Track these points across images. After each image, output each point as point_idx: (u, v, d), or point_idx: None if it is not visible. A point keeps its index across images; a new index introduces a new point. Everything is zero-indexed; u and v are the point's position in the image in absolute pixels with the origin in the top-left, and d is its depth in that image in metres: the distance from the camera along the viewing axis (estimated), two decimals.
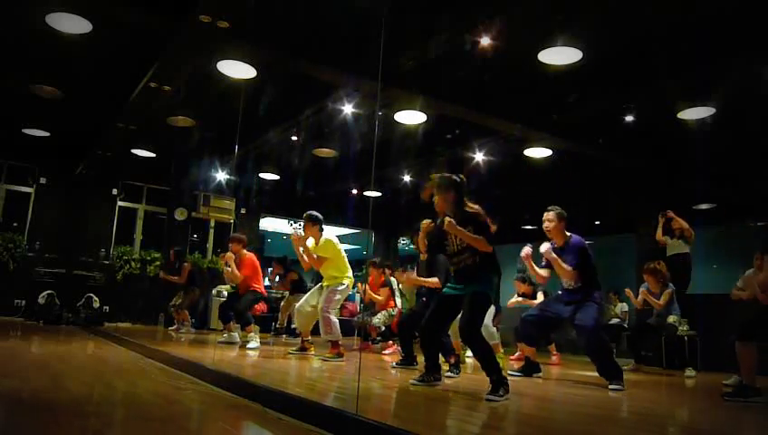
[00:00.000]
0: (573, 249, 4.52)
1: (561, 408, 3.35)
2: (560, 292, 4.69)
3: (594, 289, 4.48)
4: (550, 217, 4.60)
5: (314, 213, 5.64)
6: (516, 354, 6.94)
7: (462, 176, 3.68)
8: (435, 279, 4.96)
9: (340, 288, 5.49)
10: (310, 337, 5.86)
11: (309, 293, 5.79)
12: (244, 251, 6.95)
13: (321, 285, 5.66)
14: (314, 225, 5.62)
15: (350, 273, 5.62)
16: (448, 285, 3.81)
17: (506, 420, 2.81)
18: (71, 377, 3.42)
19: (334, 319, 5.45)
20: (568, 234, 4.61)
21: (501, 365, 3.49)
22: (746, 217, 11.13)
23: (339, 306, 5.91)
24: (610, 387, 4.20)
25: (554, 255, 4.56)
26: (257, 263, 6.95)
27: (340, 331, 5.42)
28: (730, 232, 11.25)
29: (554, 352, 7.03)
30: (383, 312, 7.37)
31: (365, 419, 2.24)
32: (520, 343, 5.10)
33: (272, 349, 6.58)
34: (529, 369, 4.91)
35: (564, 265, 4.49)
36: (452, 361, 4.68)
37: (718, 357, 6.73)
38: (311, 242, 5.65)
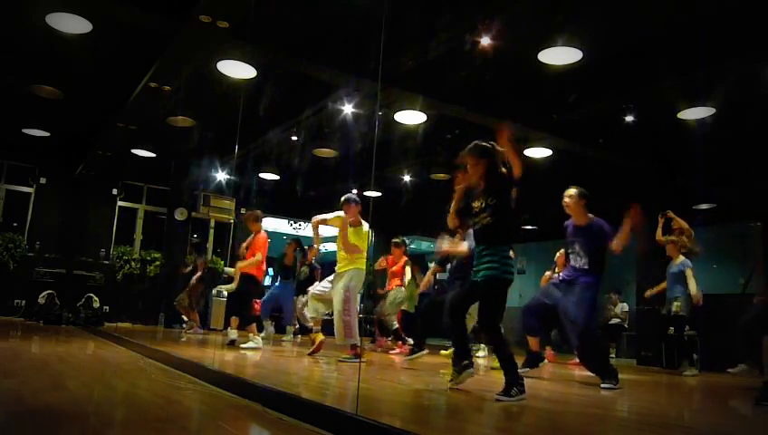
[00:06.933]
0: (597, 231, 4.37)
1: (561, 408, 3.34)
2: (561, 275, 4.59)
3: (599, 272, 4.35)
4: (571, 194, 4.48)
5: (353, 195, 5.34)
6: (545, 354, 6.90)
7: (495, 144, 3.54)
8: (465, 246, 4.78)
9: (360, 281, 5.27)
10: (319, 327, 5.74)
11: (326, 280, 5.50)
12: (261, 231, 6.51)
13: (337, 272, 5.30)
14: (357, 205, 5.28)
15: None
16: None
17: (505, 420, 2.81)
18: (71, 377, 3.42)
19: (355, 321, 5.23)
20: (591, 215, 4.45)
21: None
22: (746, 217, 11.10)
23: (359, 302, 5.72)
24: (602, 386, 4.16)
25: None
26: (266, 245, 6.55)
27: (358, 332, 5.23)
28: (730, 232, 11.23)
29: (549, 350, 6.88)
30: (390, 297, 7.29)
31: (365, 419, 2.23)
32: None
33: (272, 349, 6.57)
34: (531, 361, 4.82)
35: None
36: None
37: (718, 357, 6.74)
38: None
